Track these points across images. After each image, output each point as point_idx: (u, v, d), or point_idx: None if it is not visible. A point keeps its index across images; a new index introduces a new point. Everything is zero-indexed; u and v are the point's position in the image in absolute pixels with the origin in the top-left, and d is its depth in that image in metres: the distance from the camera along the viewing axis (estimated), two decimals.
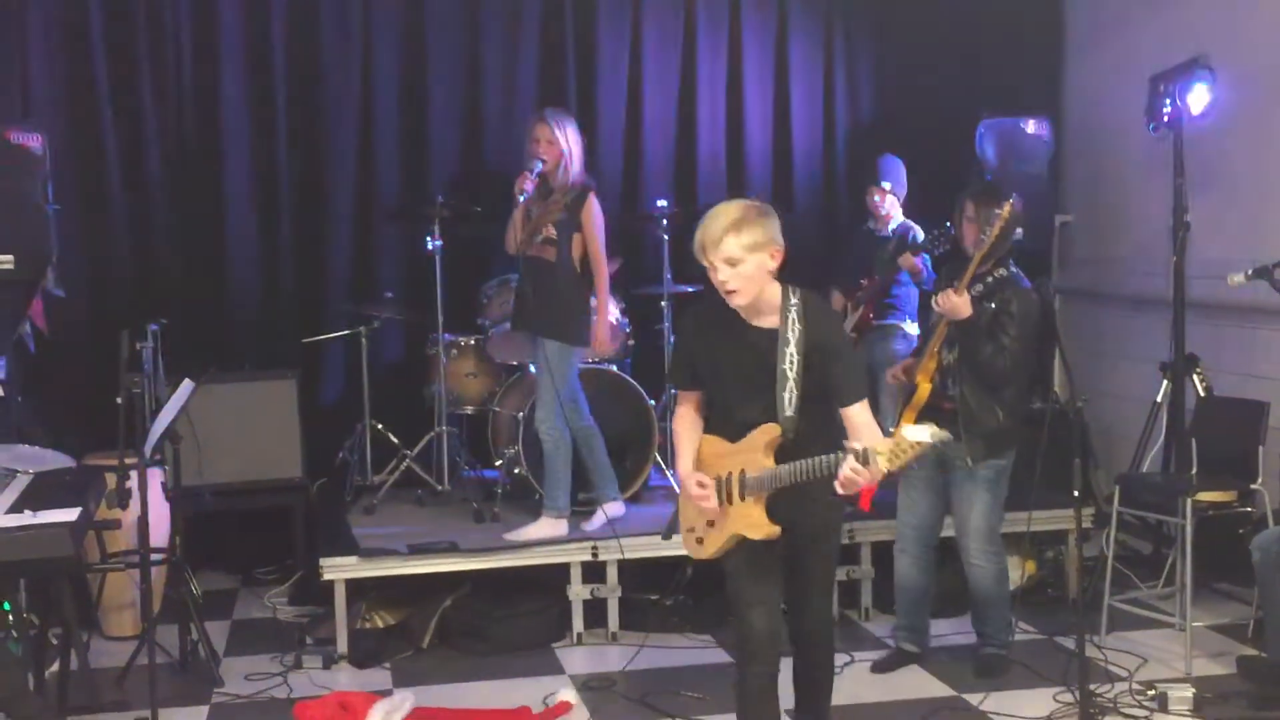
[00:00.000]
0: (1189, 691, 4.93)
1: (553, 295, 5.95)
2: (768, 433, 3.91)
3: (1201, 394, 6.17)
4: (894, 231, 6.55)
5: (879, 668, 5.46)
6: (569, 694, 5.03)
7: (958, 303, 5.03)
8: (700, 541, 4.14)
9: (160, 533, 5.54)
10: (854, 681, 5.34)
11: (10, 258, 5.63)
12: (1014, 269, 5.19)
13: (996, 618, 5.39)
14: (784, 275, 4.04)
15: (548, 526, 5.91)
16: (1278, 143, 6.21)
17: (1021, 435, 5.28)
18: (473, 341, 6.81)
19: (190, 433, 5.88)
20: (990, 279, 5.12)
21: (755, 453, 3.93)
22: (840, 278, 6.69)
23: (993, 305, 5.08)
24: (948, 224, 5.64)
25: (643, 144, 7.59)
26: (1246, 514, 5.67)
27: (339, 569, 5.68)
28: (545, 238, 5.96)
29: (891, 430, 5.25)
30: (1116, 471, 6.44)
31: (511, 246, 6.05)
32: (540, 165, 5.91)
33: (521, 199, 5.91)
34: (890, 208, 6.60)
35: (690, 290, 6.96)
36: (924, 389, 5.17)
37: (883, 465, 3.59)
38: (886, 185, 6.52)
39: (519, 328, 6.15)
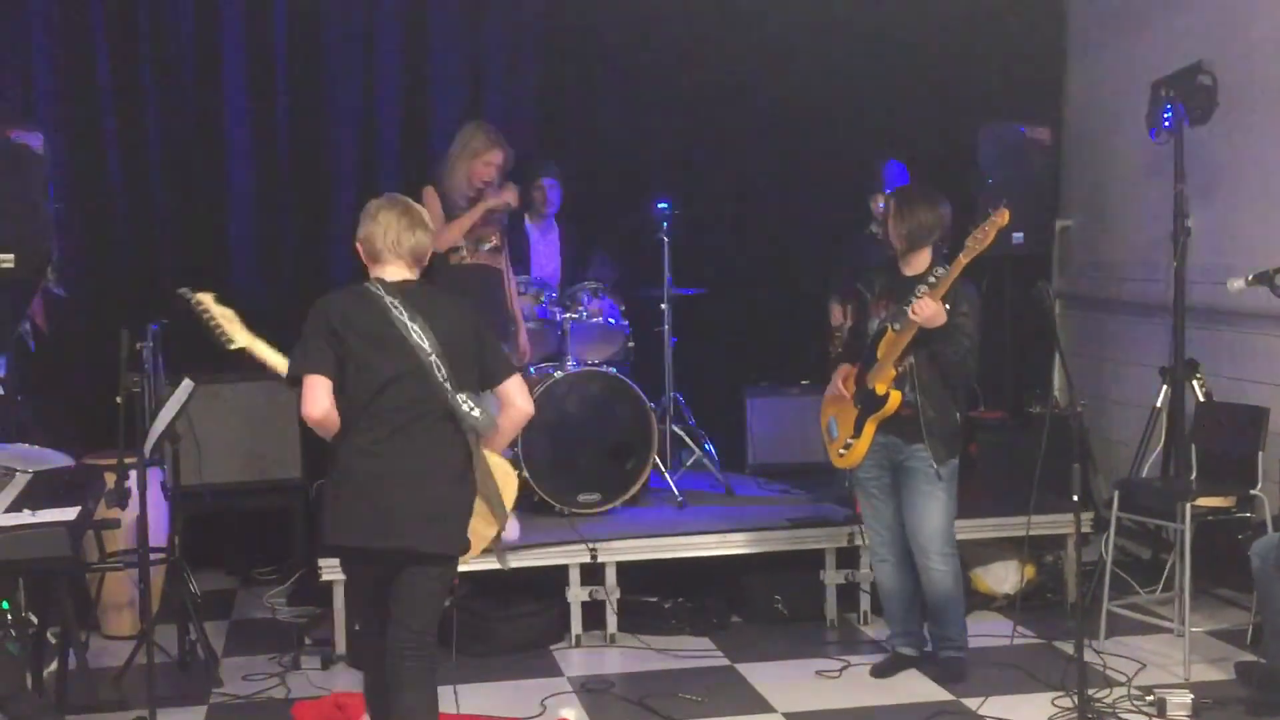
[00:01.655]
0: (1187, 697, 4.92)
1: (502, 304, 6.02)
2: None
3: (1201, 399, 6.17)
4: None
5: (878, 672, 5.46)
6: (570, 713, 5.01)
7: (936, 309, 5.05)
8: None
9: (159, 532, 5.54)
10: (852, 686, 5.35)
11: (11, 256, 5.62)
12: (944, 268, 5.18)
13: (956, 620, 5.40)
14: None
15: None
16: (1278, 148, 6.21)
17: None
18: None
19: (190, 433, 5.89)
20: (932, 279, 5.12)
21: None
22: (839, 283, 6.67)
23: (947, 305, 5.10)
24: None
25: (644, 144, 7.59)
26: (1246, 519, 5.68)
27: (338, 569, 5.65)
28: (493, 246, 5.99)
29: (851, 441, 5.27)
30: (1116, 476, 6.44)
31: (445, 247, 5.83)
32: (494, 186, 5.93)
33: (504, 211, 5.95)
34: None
35: (690, 293, 6.98)
36: (895, 397, 5.16)
37: None
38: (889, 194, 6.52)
39: None
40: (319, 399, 3.88)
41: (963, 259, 5.03)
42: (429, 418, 3.96)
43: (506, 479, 4.20)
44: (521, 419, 4.20)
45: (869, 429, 5.25)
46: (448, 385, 3.95)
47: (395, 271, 4.09)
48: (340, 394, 3.91)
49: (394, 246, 4.09)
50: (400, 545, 3.95)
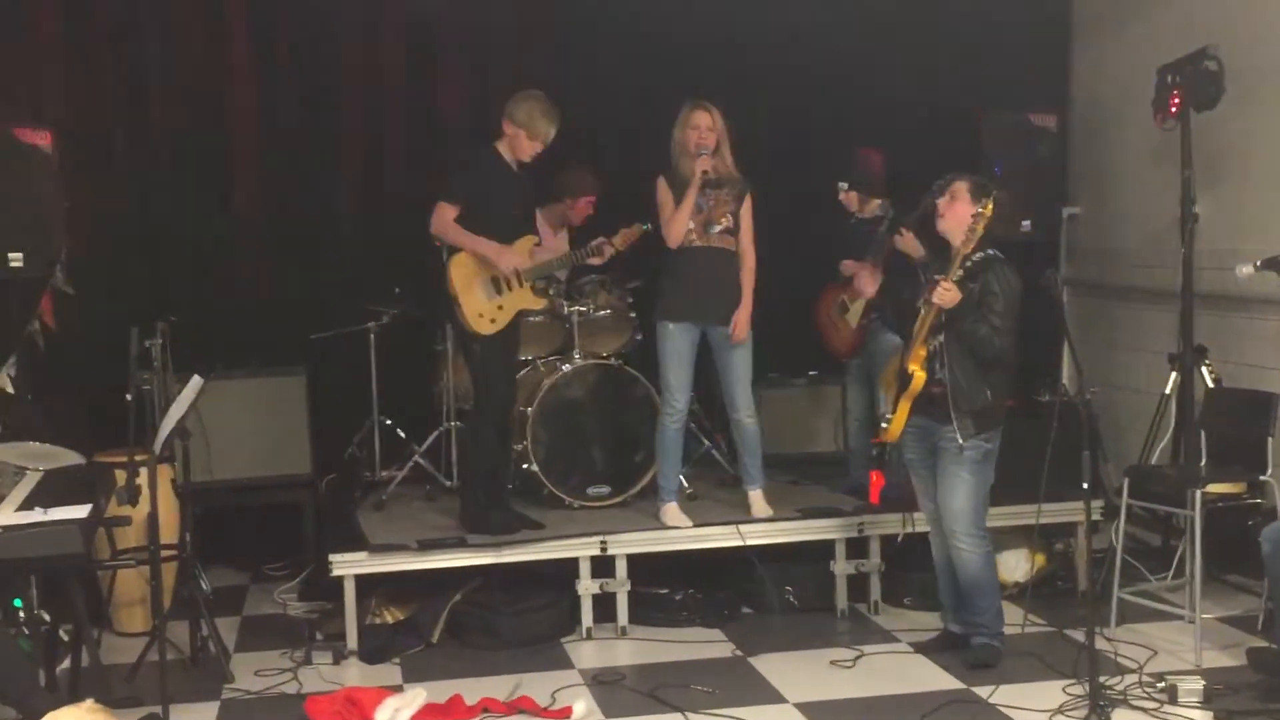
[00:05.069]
0: (1199, 683, 4.91)
1: (737, 284, 6.07)
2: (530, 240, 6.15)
3: (1210, 385, 6.16)
4: (881, 215, 6.50)
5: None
6: (581, 705, 4.99)
7: (949, 294, 5.13)
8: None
9: (170, 529, 5.56)
10: (863, 676, 5.35)
11: (20, 255, 5.65)
12: (990, 252, 5.25)
13: (987, 606, 5.38)
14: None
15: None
16: None
17: (1006, 418, 5.34)
18: None
19: (200, 429, 5.91)
20: (970, 262, 5.21)
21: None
22: (834, 273, 6.66)
23: (975, 286, 5.16)
24: None
25: (647, 135, 7.56)
26: (1256, 505, 5.68)
27: (348, 564, 5.69)
28: (724, 228, 6.05)
29: (889, 417, 5.29)
30: (1125, 464, 6.43)
31: (679, 237, 5.98)
32: (706, 152, 5.97)
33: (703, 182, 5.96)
34: (856, 203, 6.56)
35: None
36: (919, 377, 5.24)
37: None
38: (843, 185, 6.51)
39: (697, 319, 6.06)
40: None
41: (962, 249, 5.15)
42: None
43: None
44: None
45: (903, 406, 5.32)
46: None
47: None
48: None
49: None
50: None
